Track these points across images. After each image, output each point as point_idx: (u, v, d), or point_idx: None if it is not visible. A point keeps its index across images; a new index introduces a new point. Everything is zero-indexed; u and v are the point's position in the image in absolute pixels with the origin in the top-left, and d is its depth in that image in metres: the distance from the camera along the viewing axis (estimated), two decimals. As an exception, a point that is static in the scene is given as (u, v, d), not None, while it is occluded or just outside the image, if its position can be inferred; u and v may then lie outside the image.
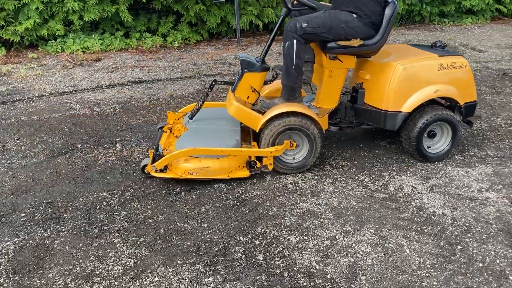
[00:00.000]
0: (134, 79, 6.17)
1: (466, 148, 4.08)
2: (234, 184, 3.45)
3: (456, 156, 3.91)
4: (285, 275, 2.55)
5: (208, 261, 2.65)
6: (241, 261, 2.65)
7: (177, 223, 3.00)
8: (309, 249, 2.75)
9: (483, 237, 2.86)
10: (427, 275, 2.55)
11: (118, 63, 6.90)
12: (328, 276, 2.54)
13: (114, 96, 5.52)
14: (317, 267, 2.61)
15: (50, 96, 5.52)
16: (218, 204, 3.21)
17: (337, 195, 3.33)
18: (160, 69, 6.67)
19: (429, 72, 3.56)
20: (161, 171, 3.33)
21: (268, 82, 4.11)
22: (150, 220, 3.04)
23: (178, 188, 3.40)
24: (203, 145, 3.34)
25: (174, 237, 2.86)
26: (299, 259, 2.67)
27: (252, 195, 3.32)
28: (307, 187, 3.44)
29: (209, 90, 3.82)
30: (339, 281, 2.50)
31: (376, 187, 3.44)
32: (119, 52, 7.53)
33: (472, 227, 2.95)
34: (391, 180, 3.54)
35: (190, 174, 3.33)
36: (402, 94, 3.54)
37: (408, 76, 3.51)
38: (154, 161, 3.37)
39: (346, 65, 3.58)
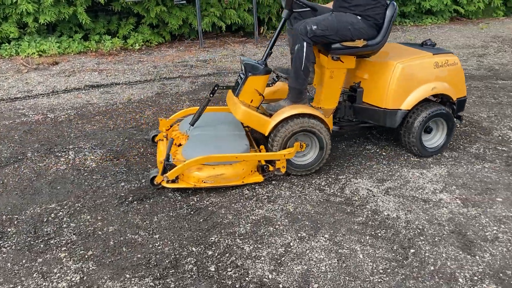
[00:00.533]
0: (92, 83, 6.00)
1: (418, 159, 4.11)
2: (189, 192, 3.38)
3: (412, 158, 3.94)
4: (237, 286, 2.50)
5: (158, 274, 2.58)
6: (192, 273, 2.58)
7: (128, 235, 2.91)
8: (262, 258, 2.71)
9: (436, 239, 2.88)
10: (379, 280, 2.54)
11: (75, 67, 6.71)
12: (281, 286, 2.50)
13: (69, 102, 5.35)
14: (270, 276, 2.57)
15: (1, 103, 5.30)
16: (171, 214, 3.13)
17: (294, 200, 3.30)
18: (119, 72, 6.52)
19: (426, 70, 3.71)
20: (173, 181, 3.28)
21: (270, 85, 4.05)
22: (100, 232, 2.93)
23: (131, 198, 3.31)
24: (213, 152, 3.30)
25: (124, 250, 2.77)
26: (252, 269, 2.62)
27: (207, 203, 3.26)
28: (264, 192, 3.40)
29: (211, 95, 3.75)
30: (291, 290, 2.47)
31: (332, 190, 3.43)
32: (78, 55, 7.33)
33: (425, 230, 2.97)
34: (347, 183, 3.54)
35: (204, 182, 3.29)
36: (402, 92, 3.65)
37: (407, 74, 3.63)
38: (164, 171, 3.28)
39: (346, 65, 3.62)
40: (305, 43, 3.35)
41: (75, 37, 7.63)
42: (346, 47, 3.48)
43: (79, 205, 3.23)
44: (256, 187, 3.44)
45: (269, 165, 3.47)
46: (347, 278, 2.56)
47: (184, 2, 7.83)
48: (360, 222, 3.05)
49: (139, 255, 2.72)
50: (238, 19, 8.40)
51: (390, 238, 2.89)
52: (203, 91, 5.72)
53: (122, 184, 3.51)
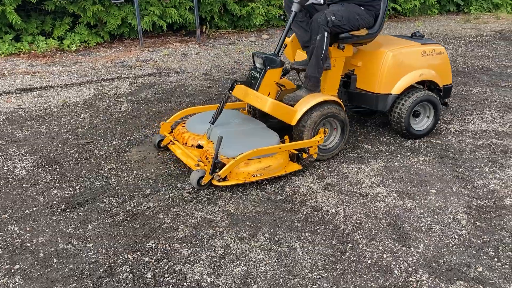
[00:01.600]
0: (24, 87, 5.71)
1: (360, 144, 4.20)
2: (126, 197, 3.27)
3: (350, 154, 4.01)
4: (174, 291, 2.43)
5: (92, 284, 2.46)
6: (128, 281, 2.49)
7: (60, 245, 2.77)
8: (201, 261, 2.65)
9: (373, 233, 2.93)
10: (318, 277, 2.55)
11: (6, 69, 6.35)
12: (219, 288, 2.46)
13: (-2, 106, 5.06)
14: (209, 279, 2.52)
15: None
16: (106, 221, 3.01)
17: (235, 201, 3.26)
18: (54, 74, 6.23)
19: (414, 58, 4.07)
20: (223, 179, 3.30)
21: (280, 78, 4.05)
22: (29, 244, 2.77)
23: (64, 205, 3.15)
24: (253, 147, 3.36)
25: (55, 261, 2.63)
26: (190, 273, 2.56)
27: (145, 208, 3.16)
28: (204, 194, 3.34)
29: (230, 91, 3.77)
30: (230, 293, 2.43)
31: (273, 189, 3.42)
32: (9, 57, 6.95)
33: (363, 224, 3.02)
34: (288, 181, 3.54)
35: (254, 176, 3.37)
36: (392, 78, 3.99)
37: (397, 62, 3.98)
38: (214, 170, 3.28)
39: (346, 53, 3.93)
40: (325, 33, 3.58)
41: (5, 38, 7.23)
42: (353, 36, 3.77)
43: (6, 216, 3.04)
44: (195, 190, 3.38)
45: (303, 153, 3.62)
46: (286, 276, 2.55)
47: (122, 1, 7.61)
48: (300, 219, 3.06)
49: (71, 266, 2.59)
50: (179, 18, 8.27)
51: (329, 233, 2.91)
52: (142, 92, 5.58)
53: (55, 191, 3.34)
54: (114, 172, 3.65)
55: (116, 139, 4.26)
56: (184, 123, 4.03)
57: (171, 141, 3.90)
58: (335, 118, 3.78)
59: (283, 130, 3.87)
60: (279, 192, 3.39)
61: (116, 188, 3.42)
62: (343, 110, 3.86)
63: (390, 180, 3.57)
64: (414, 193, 3.39)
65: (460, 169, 3.75)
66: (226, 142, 3.45)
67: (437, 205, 3.25)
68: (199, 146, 3.74)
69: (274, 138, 3.66)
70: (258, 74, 3.69)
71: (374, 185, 3.50)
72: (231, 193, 3.36)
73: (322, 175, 3.63)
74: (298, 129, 3.71)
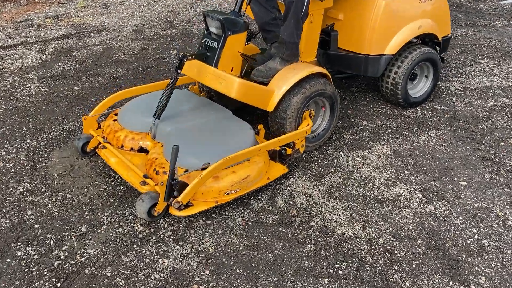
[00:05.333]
0: None
1: (353, 120, 3.33)
2: (51, 242, 2.23)
3: (345, 136, 3.13)
4: None
5: None
6: None
7: None
8: None
9: (413, 266, 2.12)
10: None
11: None
12: None
13: None
14: None
15: None
16: (21, 283, 1.97)
17: (212, 231, 2.32)
18: None
19: (411, 6, 3.22)
20: (186, 206, 2.30)
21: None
22: None
23: (-48, 274, 2.06)
24: (224, 151, 2.41)
25: None
26: None
27: (82, 260, 2.14)
28: (166, 224, 2.35)
29: (178, 71, 2.68)
30: None
31: (261, 204, 2.50)
32: None
33: (396, 252, 2.20)
34: (277, 188, 2.62)
35: (228, 194, 2.42)
36: (386, 34, 3.15)
37: (391, 12, 3.11)
38: (170, 194, 2.27)
39: (326, 4, 2.97)
40: None
41: None
42: None
43: None
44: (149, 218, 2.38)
45: (287, 148, 2.70)
46: None
47: None
48: (310, 253, 2.18)
49: None
50: (93, -42, 6.71)
51: (356, 275, 2.07)
52: (57, 63, 4.28)
53: None
54: (30, 198, 2.55)
55: (28, 140, 3.09)
56: (116, 115, 2.94)
57: (100, 143, 2.81)
58: (322, 95, 2.86)
59: (248, 113, 2.91)
60: (270, 208, 2.47)
61: (35, 227, 2.34)
62: (330, 82, 2.92)
63: (406, 172, 2.76)
64: (442, 190, 2.61)
65: (483, 146, 3.00)
66: (183, 144, 2.45)
67: (476, 205, 2.49)
68: (142, 150, 2.70)
69: (248, 132, 2.68)
70: (216, 43, 2.69)
71: (389, 182, 2.67)
72: (203, 218, 2.40)
73: (318, 174, 2.74)
74: (278, 117, 2.76)
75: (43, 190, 2.62)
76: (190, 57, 2.68)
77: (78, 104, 3.56)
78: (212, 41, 2.72)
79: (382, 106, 3.49)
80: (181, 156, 2.30)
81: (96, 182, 2.68)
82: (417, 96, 3.44)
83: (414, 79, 3.44)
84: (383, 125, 3.24)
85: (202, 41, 2.79)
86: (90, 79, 3.97)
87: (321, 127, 2.98)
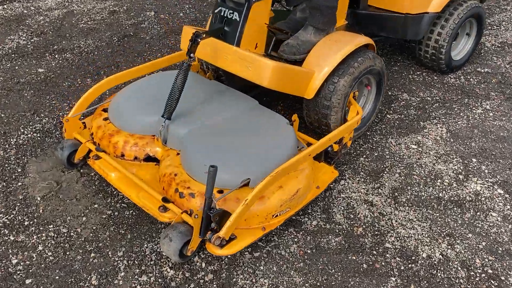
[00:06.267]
0: None
1: (390, 93, 2.80)
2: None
3: (388, 115, 2.61)
4: None
5: None
6: None
7: None
8: None
9: (528, 295, 1.70)
10: None
11: None
12: None
13: None
14: None
15: None
16: None
17: (265, 268, 1.80)
18: None
19: None
20: (230, 240, 1.76)
21: None
22: None
23: None
24: (261, 158, 1.92)
25: None
26: None
27: None
28: (203, 262, 1.81)
29: (191, 57, 2.00)
30: None
31: (313, 220, 1.99)
32: None
33: (503, 279, 1.76)
34: (328, 197, 2.10)
35: (277, 216, 1.86)
36: None
37: None
38: (207, 228, 1.72)
39: None
40: None
41: None
42: None
43: None
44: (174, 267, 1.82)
45: (333, 144, 2.13)
46: None
47: None
48: (397, 290, 1.71)
49: None
50: None
51: (464, 317, 1.63)
52: (8, 36, 3.45)
53: None
54: (10, 237, 1.92)
55: (-8, 149, 2.40)
56: (105, 111, 2.29)
57: (90, 151, 2.17)
58: (370, 73, 2.29)
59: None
60: (328, 226, 1.96)
61: (27, 283, 1.74)
62: (376, 53, 2.35)
63: (474, 160, 2.29)
64: (523, 182, 2.17)
65: (547, 117, 2.58)
66: (208, 153, 1.89)
67: None
68: (150, 159, 2.10)
69: (287, 129, 2.09)
70: (236, 14, 2.08)
71: (459, 176, 2.20)
72: (249, 248, 1.87)
73: (373, 171, 2.23)
74: (319, 105, 2.19)
75: (26, 223, 1.98)
76: (204, 35, 2.03)
77: (47, 91, 2.83)
78: (231, 12, 2.08)
79: (418, 73, 2.97)
80: (205, 168, 1.74)
81: (96, 206, 2.06)
82: (458, 59, 2.93)
83: (455, 39, 2.91)
84: (428, 98, 2.73)
85: (216, 11, 2.13)
86: (56, 56, 3.21)
87: (365, 110, 2.44)
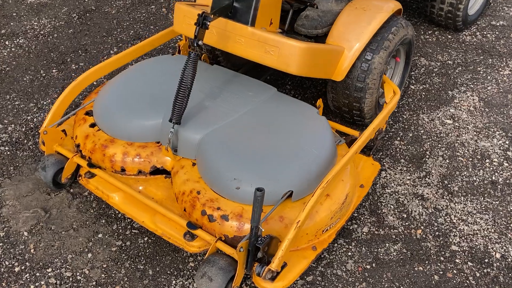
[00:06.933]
0: None
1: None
2: None
3: (411, 86, 2.32)
4: None
5: None
6: None
7: None
8: None
9: None
10: None
11: None
12: None
13: None
14: None
15: None
16: None
17: None
18: None
19: None
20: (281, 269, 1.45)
21: None
22: None
23: None
24: (298, 162, 1.58)
25: None
26: None
27: None
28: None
29: (200, 42, 1.61)
30: None
31: (361, 226, 1.72)
32: None
33: None
34: (375, 193, 1.83)
35: (326, 231, 1.57)
36: None
37: None
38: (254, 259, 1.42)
39: None
40: None
41: None
42: None
43: None
44: None
45: None
46: None
47: None
48: (479, 303, 1.49)
49: None
50: None
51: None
52: None
53: None
54: (1, 292, 1.54)
55: (-50, 173, 1.94)
56: (89, 115, 1.87)
57: (79, 167, 1.78)
58: (402, 43, 1.96)
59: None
60: (381, 231, 1.69)
61: None
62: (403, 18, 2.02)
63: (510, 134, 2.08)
64: None
65: None
66: (234, 162, 1.57)
67: None
68: (157, 171, 1.73)
69: (319, 121, 1.75)
70: None
71: (507, 153, 1.98)
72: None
73: (413, 156, 1.96)
74: (350, 88, 1.86)
75: (16, 269, 1.60)
76: (212, 16, 1.62)
77: (5, 90, 2.34)
78: None
79: (429, 32, 2.68)
80: (236, 182, 1.44)
81: (100, 235, 1.70)
82: (472, 13, 2.66)
83: None
84: (449, 62, 2.46)
85: None
86: (7, 43, 2.67)
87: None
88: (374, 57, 1.80)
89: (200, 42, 1.61)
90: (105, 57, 2.55)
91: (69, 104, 1.91)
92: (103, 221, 1.74)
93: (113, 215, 1.76)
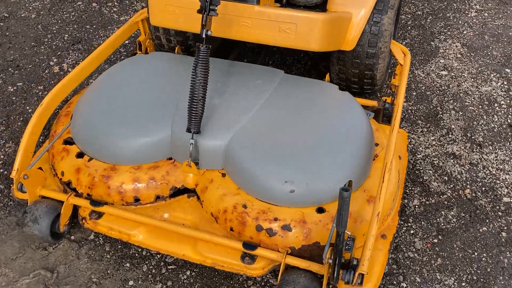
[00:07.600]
0: None
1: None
2: None
3: (424, 45, 2.24)
4: None
5: None
6: None
7: None
8: None
9: None
10: None
11: None
12: None
13: None
14: None
15: None
16: None
17: None
18: None
19: None
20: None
21: None
22: None
23: None
24: (341, 148, 1.41)
25: None
26: None
27: None
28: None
29: (209, 32, 1.35)
30: None
31: (414, 200, 1.62)
32: None
33: None
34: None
35: (389, 215, 1.42)
36: None
37: None
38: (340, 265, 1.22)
39: None
40: None
41: None
42: None
43: None
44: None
45: (386, 98, 1.72)
46: None
47: None
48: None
49: None
50: None
51: None
52: None
53: None
54: None
55: None
56: (69, 143, 1.55)
57: (77, 208, 1.48)
58: None
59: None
60: (431, 199, 1.60)
61: None
62: None
63: (508, 71, 2.09)
64: None
65: (533, 5, 2.46)
66: (276, 163, 1.37)
67: None
68: (179, 192, 1.47)
69: (345, 98, 1.58)
70: None
71: (510, 93, 1.98)
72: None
73: (427, 115, 1.89)
74: (361, 56, 1.71)
75: None
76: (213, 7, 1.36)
77: None
78: None
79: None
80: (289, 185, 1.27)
81: (132, 283, 1.41)
82: None
83: None
84: (418, 12, 2.42)
85: None
86: None
87: None
88: (383, 18, 1.66)
89: (209, 32, 1.35)
90: (45, 71, 2.14)
91: (38, 136, 1.55)
92: (128, 264, 1.45)
93: (136, 254, 1.48)
